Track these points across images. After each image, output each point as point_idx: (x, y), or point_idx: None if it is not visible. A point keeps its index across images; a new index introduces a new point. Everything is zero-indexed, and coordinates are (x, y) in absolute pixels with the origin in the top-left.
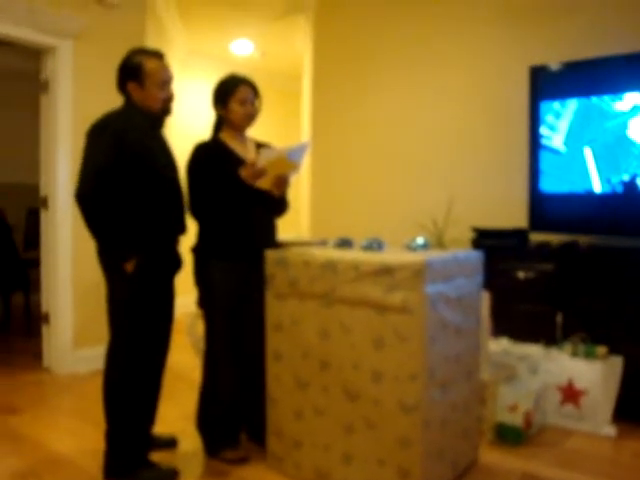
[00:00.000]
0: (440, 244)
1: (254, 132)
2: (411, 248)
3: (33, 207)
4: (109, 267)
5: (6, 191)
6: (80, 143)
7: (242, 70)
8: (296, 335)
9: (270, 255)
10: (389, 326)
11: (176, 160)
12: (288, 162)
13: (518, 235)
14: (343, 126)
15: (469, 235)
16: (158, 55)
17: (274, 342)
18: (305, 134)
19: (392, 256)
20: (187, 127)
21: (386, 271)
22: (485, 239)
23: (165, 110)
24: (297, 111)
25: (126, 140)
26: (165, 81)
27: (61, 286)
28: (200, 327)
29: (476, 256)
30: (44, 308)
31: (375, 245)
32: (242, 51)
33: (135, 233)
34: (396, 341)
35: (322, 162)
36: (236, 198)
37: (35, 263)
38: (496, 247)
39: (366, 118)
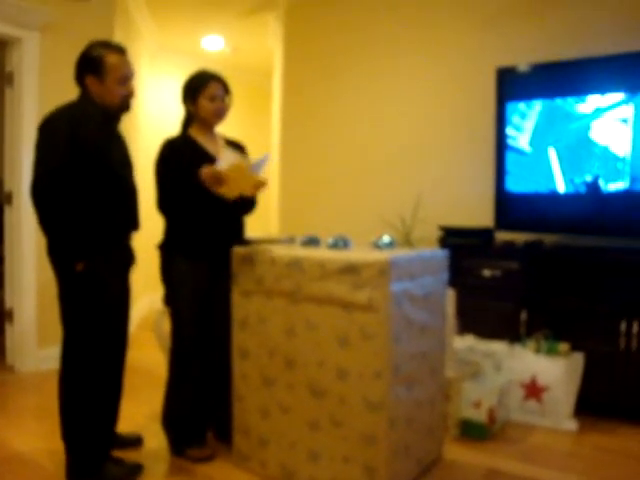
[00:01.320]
0: (408, 242)
1: (223, 128)
2: (377, 246)
3: None
4: (59, 265)
5: None
6: None
7: (213, 66)
8: (262, 333)
9: (236, 252)
10: (354, 324)
11: (131, 156)
12: (249, 172)
13: (484, 234)
14: (312, 124)
15: (436, 234)
16: (120, 49)
17: (240, 340)
18: (275, 131)
19: (358, 254)
20: (156, 123)
21: (351, 269)
22: (452, 237)
23: (123, 106)
24: (267, 107)
25: (79, 135)
26: (126, 77)
27: (25, 283)
28: (166, 324)
29: (441, 254)
30: (8, 305)
31: (341, 243)
32: (213, 47)
33: (87, 231)
34: (361, 339)
35: (291, 160)
36: (200, 197)
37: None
38: (462, 245)
39: (335, 116)
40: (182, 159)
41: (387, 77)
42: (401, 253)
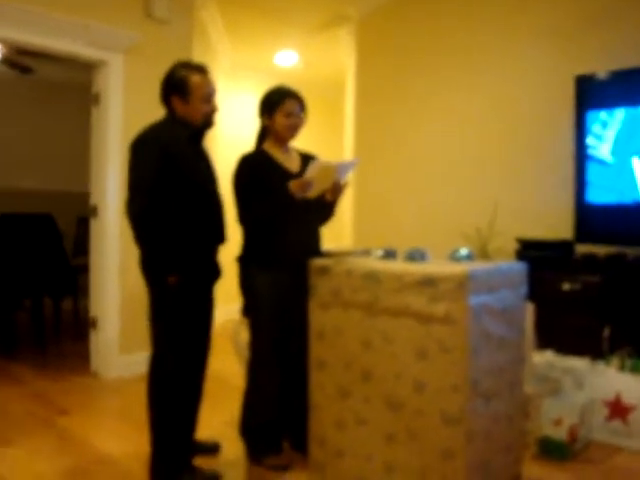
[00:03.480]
0: (484, 254)
1: (297, 140)
2: (455, 259)
3: (83, 215)
4: (152, 279)
5: (57, 199)
6: (127, 152)
7: (286, 80)
8: (339, 344)
9: (313, 264)
10: (432, 337)
11: (216, 171)
12: (333, 173)
13: (563, 246)
14: (386, 135)
15: (513, 246)
16: (202, 69)
17: (317, 351)
18: (347, 142)
19: (435, 267)
20: (232, 138)
21: (429, 282)
22: (529, 250)
23: (207, 123)
24: (340, 119)
25: (169, 153)
26: (208, 95)
27: (109, 292)
28: (244, 335)
29: (520, 267)
30: (92, 313)
31: (418, 256)
32: (286, 62)
33: (178, 245)
34: (439, 352)
35: (365, 171)
36: (281, 208)
37: (84, 269)
38: (541, 258)
39: (409, 127)
40: (259, 173)
41: (463, 87)
42: (479, 266)
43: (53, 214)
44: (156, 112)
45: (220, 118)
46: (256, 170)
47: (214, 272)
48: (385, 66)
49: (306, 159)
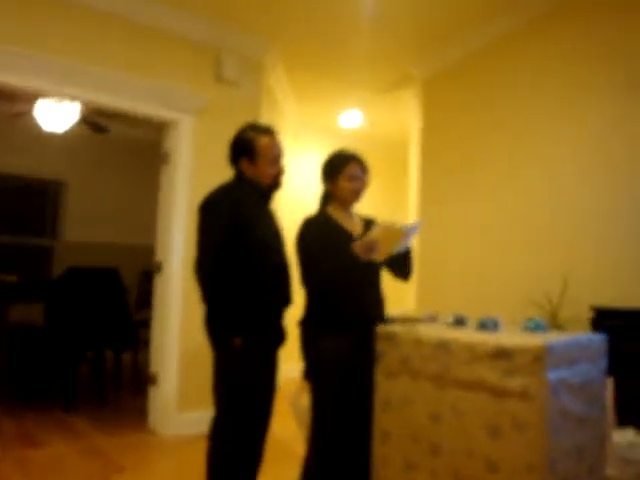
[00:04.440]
0: (555, 324)
1: (362, 200)
2: (528, 328)
3: (147, 269)
4: (216, 340)
5: (122, 252)
6: (194, 211)
7: (350, 141)
8: (406, 415)
9: (381, 331)
10: (506, 413)
11: (283, 233)
12: (399, 234)
13: None
14: (452, 196)
15: (587, 314)
16: (269, 131)
17: (382, 421)
18: (413, 203)
19: (510, 337)
20: (297, 199)
21: (504, 354)
22: (606, 319)
23: (275, 185)
24: (404, 179)
25: (238, 214)
26: (276, 157)
27: (169, 349)
28: (305, 399)
29: (600, 339)
30: (152, 369)
31: (491, 324)
32: (350, 123)
33: (244, 307)
34: (513, 429)
35: (429, 234)
36: (345, 271)
37: (146, 323)
38: (619, 328)
39: (475, 187)
40: (322, 235)
41: (530, 145)
42: (557, 338)
43: (119, 267)
44: (224, 172)
45: (286, 179)
46: (320, 232)
47: (280, 335)
48: (450, 126)
49: (368, 224)
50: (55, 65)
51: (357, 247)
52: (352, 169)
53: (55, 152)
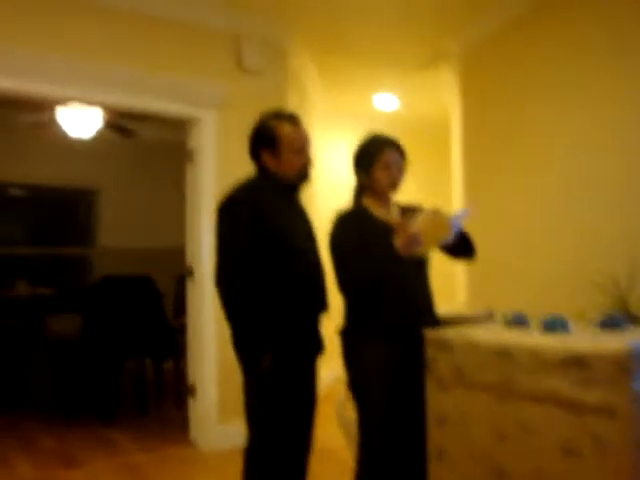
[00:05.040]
0: (624, 309)
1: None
2: (604, 325)
3: (181, 273)
4: (245, 359)
5: (158, 256)
6: None
7: (386, 123)
8: (464, 432)
9: (430, 336)
10: (584, 430)
11: (315, 229)
12: (447, 226)
13: None
14: (498, 178)
15: None
16: (293, 119)
17: (437, 438)
18: (457, 187)
19: (584, 341)
20: (330, 191)
21: (578, 362)
22: None
23: (302, 176)
24: (446, 160)
25: (261, 214)
26: (301, 146)
27: (206, 358)
28: (350, 410)
29: None
30: (190, 380)
31: (559, 325)
32: (385, 106)
33: (273, 319)
34: (593, 448)
35: (477, 220)
36: (387, 269)
37: (184, 330)
38: None
39: (524, 168)
40: (358, 232)
41: (584, 120)
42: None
43: (154, 272)
44: (251, 165)
45: (317, 170)
46: (355, 228)
47: (316, 345)
48: (494, 102)
49: (407, 212)
50: (67, 68)
51: (398, 241)
52: (388, 156)
53: (85, 160)
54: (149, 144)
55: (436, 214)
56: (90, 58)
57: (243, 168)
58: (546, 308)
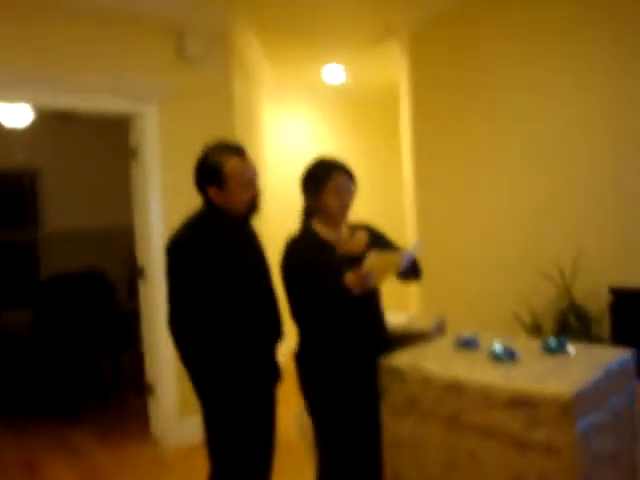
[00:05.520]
0: (569, 299)
1: (350, 158)
2: (548, 349)
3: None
4: (202, 399)
5: (107, 237)
6: (171, 209)
7: (334, 96)
8: (418, 458)
9: (384, 365)
10: (531, 466)
11: (267, 260)
12: (397, 263)
13: None
14: (449, 155)
15: (604, 290)
16: (238, 151)
17: (392, 460)
18: (406, 160)
19: (531, 382)
20: (283, 163)
21: (525, 402)
22: (626, 303)
23: (251, 209)
24: (394, 132)
25: (211, 253)
26: (249, 180)
27: (163, 357)
28: (308, 419)
29: (628, 360)
30: (148, 379)
31: (505, 354)
32: (334, 79)
33: (229, 360)
34: None
35: (426, 205)
36: (339, 304)
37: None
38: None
39: (475, 147)
40: (310, 261)
41: (535, 103)
42: (584, 379)
43: (103, 253)
44: (194, 161)
45: (268, 145)
46: (307, 256)
47: (274, 375)
48: (441, 80)
49: (366, 230)
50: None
51: (350, 279)
52: (338, 181)
53: (26, 142)
54: (92, 121)
55: (385, 255)
56: (20, 57)
57: (188, 161)
58: (495, 298)
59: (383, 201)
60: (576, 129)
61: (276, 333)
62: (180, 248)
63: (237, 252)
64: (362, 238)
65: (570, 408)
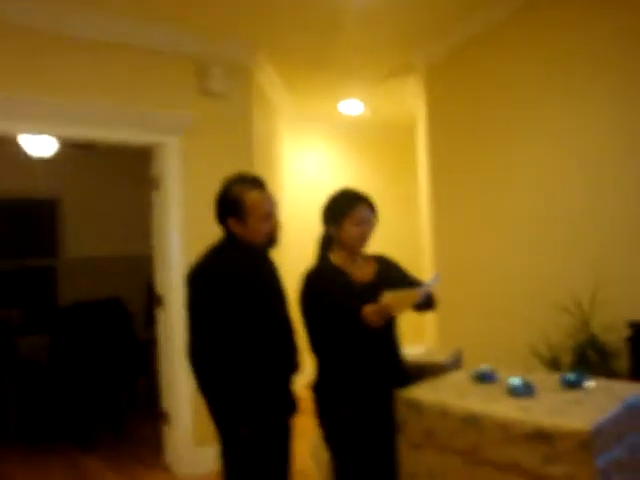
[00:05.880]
0: (587, 333)
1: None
2: (568, 384)
3: (151, 280)
4: (221, 431)
5: (125, 265)
6: (191, 239)
7: (351, 127)
8: None
9: (401, 398)
10: None
11: (286, 291)
12: (414, 297)
13: None
14: (466, 187)
15: (622, 321)
16: (258, 183)
17: None
18: (423, 192)
19: (548, 414)
20: (301, 193)
21: (543, 437)
22: None
23: (270, 242)
24: (411, 162)
25: (231, 283)
26: (268, 212)
27: (179, 385)
28: (324, 450)
29: None
30: (163, 407)
31: (523, 390)
32: (351, 111)
33: (248, 391)
34: None
35: (442, 236)
36: (358, 338)
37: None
38: None
39: (491, 179)
40: (329, 293)
41: (551, 134)
42: (604, 414)
43: (122, 282)
44: (216, 191)
45: (287, 172)
46: (326, 288)
47: (290, 406)
48: (458, 116)
49: (377, 262)
50: (30, 103)
51: (368, 315)
52: (361, 212)
53: (47, 170)
54: (113, 150)
55: (406, 292)
56: (51, 92)
57: (208, 192)
58: (512, 332)
59: (400, 233)
60: (592, 165)
61: (293, 364)
62: (201, 277)
63: (257, 283)
64: (370, 266)
65: (590, 443)
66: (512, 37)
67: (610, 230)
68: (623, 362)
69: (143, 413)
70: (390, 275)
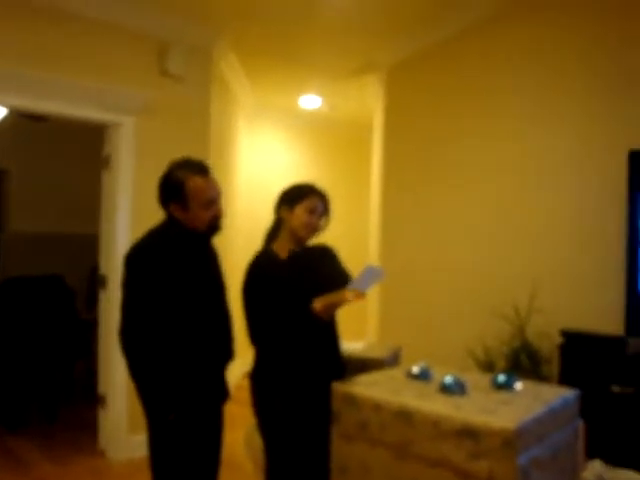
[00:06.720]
0: (522, 338)
1: (322, 179)
2: (497, 385)
3: (95, 265)
4: (150, 416)
5: (71, 242)
6: (139, 221)
7: (309, 122)
8: None
9: (337, 390)
10: None
11: (225, 279)
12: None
13: (615, 343)
14: (414, 196)
15: (556, 330)
16: (203, 170)
17: None
18: (375, 188)
19: (477, 415)
20: (257, 181)
21: (470, 434)
22: (576, 345)
23: (212, 229)
24: (366, 160)
25: (167, 270)
26: (211, 199)
27: (117, 369)
28: (258, 438)
29: (572, 399)
30: (101, 390)
31: (456, 387)
32: (310, 105)
33: (178, 378)
34: None
35: (390, 238)
36: (301, 330)
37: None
38: (588, 355)
39: (440, 187)
40: (268, 283)
41: (498, 146)
42: (528, 414)
43: (67, 260)
44: None
45: (243, 164)
46: (267, 280)
47: (221, 393)
48: (414, 117)
49: (317, 252)
50: None
51: (318, 307)
52: (314, 202)
53: None
54: (66, 126)
55: (329, 296)
56: (3, 60)
57: (160, 175)
58: (451, 333)
59: (350, 229)
60: (538, 176)
61: (227, 352)
62: (137, 259)
63: (192, 268)
64: None
65: (512, 441)
66: (474, 44)
67: (549, 241)
68: (554, 368)
69: (81, 396)
70: (318, 265)
